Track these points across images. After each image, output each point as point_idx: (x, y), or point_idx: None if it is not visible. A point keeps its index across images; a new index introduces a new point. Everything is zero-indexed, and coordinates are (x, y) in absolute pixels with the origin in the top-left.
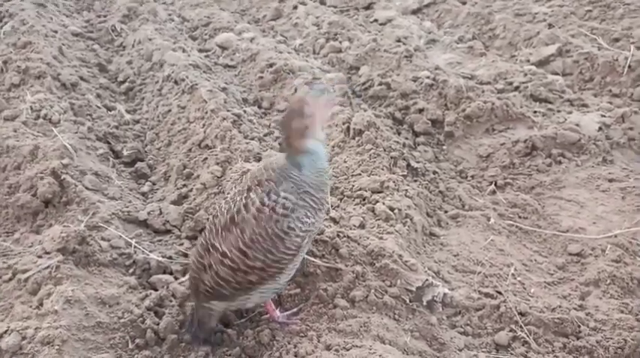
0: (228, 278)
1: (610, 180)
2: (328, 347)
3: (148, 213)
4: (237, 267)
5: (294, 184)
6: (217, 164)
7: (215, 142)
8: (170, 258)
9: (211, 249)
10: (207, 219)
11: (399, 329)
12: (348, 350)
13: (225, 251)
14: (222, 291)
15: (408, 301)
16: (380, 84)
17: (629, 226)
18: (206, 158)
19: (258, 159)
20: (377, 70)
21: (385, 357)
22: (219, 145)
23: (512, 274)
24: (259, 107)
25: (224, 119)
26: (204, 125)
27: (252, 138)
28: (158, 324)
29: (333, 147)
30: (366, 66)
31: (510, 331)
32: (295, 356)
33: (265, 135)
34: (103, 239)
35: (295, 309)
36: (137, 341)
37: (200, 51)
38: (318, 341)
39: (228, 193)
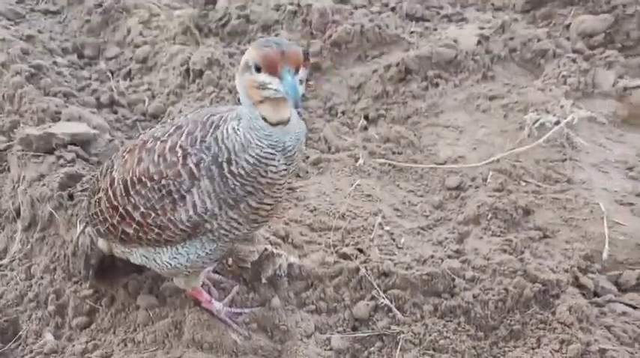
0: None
1: (491, 98)
2: None
3: None
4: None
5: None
6: (1, 133)
7: (4, 105)
8: None
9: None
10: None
11: None
12: None
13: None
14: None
15: (244, 281)
16: (238, 17)
17: (512, 147)
18: None
19: (56, 120)
20: (235, 2)
21: None
22: (7, 107)
23: (380, 223)
24: (80, 57)
25: (17, 73)
26: None
27: (55, 94)
28: None
29: (168, 94)
30: None
31: (372, 299)
32: None
33: (80, 90)
34: None
35: (242, 310)
36: None
37: None
38: None
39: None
